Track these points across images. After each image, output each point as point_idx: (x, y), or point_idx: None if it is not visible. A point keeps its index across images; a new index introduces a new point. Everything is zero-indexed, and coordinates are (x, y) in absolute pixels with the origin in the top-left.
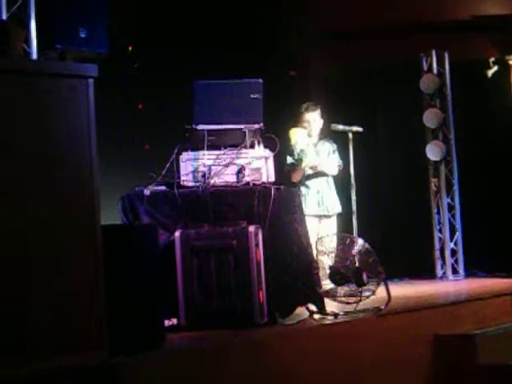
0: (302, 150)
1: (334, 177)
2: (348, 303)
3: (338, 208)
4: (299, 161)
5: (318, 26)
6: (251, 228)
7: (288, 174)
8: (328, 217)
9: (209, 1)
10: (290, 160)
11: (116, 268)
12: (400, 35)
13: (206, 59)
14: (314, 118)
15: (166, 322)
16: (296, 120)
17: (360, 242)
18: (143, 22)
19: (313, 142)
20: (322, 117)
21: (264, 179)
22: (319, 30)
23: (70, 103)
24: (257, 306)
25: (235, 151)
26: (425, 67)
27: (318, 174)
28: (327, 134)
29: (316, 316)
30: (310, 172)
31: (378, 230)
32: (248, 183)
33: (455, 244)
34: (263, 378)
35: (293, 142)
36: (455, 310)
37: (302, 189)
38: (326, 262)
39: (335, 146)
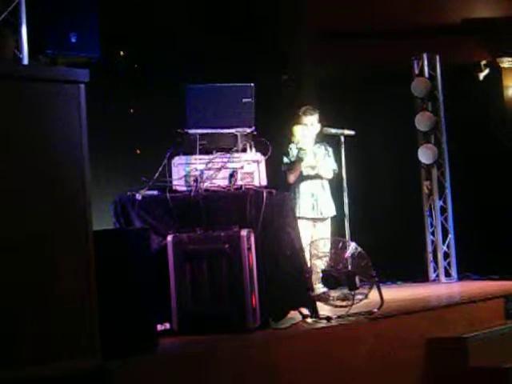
0: (301, 149)
1: (328, 180)
2: (341, 307)
3: (333, 211)
4: (299, 160)
5: (311, 28)
6: (243, 232)
7: (285, 174)
8: (322, 220)
9: (201, 4)
10: (286, 160)
11: (109, 273)
12: (391, 38)
13: (197, 63)
14: (311, 122)
15: (159, 327)
16: (292, 122)
17: (353, 245)
18: (134, 26)
19: (310, 146)
20: (319, 120)
21: (256, 183)
22: (312, 32)
23: (61, 108)
24: (249, 309)
25: (227, 155)
26: (416, 71)
27: (314, 176)
28: (322, 137)
29: (309, 320)
30: (308, 172)
31: (371, 232)
32: (240, 187)
33: (448, 247)
34: (256, 382)
35: (296, 138)
36: (448, 313)
37: (296, 191)
38: (319, 265)
39: (330, 151)
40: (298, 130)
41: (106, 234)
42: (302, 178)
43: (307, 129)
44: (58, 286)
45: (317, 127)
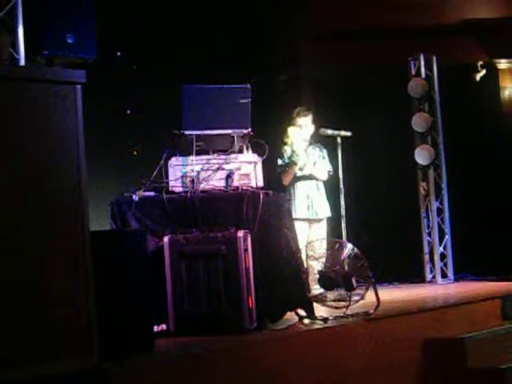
0: (294, 152)
1: (323, 181)
2: (337, 308)
3: (328, 212)
4: (293, 163)
5: (309, 29)
6: (240, 233)
7: (280, 177)
8: (318, 221)
9: (199, 4)
10: (280, 162)
11: (105, 274)
12: (388, 39)
13: (195, 63)
14: (305, 123)
15: (155, 328)
16: (287, 123)
17: (349, 246)
18: (131, 27)
19: (303, 148)
20: (313, 121)
21: (253, 184)
22: (310, 33)
23: (57, 109)
24: (246, 311)
25: (224, 156)
26: (413, 71)
27: (307, 176)
28: (317, 139)
29: (305, 321)
30: (299, 174)
31: (365, 233)
32: (237, 188)
33: (444, 248)
34: (252, 383)
35: (290, 140)
36: (444, 314)
37: (292, 193)
38: (316, 266)
39: (325, 152)
40: (292, 131)
41: (103, 235)
42: (297, 179)
43: (301, 130)
44: (55, 287)
45: (311, 128)
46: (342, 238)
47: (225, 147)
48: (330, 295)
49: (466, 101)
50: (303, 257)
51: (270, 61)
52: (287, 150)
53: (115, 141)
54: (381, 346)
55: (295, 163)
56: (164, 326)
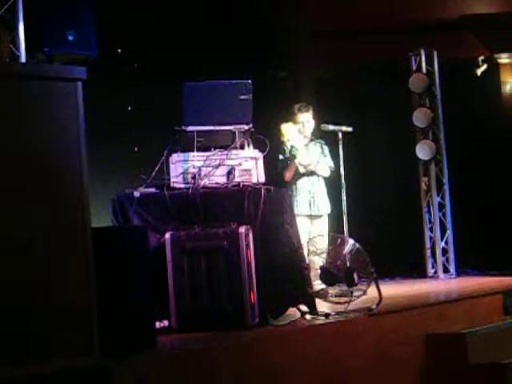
0: (293, 146)
1: (324, 177)
2: (339, 303)
3: (329, 208)
4: (292, 157)
5: (309, 26)
6: (242, 229)
7: (281, 173)
8: (319, 216)
9: (200, 2)
10: (281, 157)
11: (107, 270)
12: (389, 35)
13: (195, 60)
14: (307, 119)
15: (157, 324)
16: (287, 120)
17: (351, 241)
18: (132, 23)
19: (304, 144)
20: (313, 117)
21: (254, 180)
22: (310, 30)
23: (58, 106)
24: (248, 306)
25: (225, 152)
26: (414, 66)
27: (310, 173)
28: (318, 135)
29: (307, 316)
30: (302, 171)
31: (369, 229)
32: (238, 184)
33: (446, 243)
34: (255, 379)
35: (285, 138)
36: (446, 309)
37: (293, 188)
38: (318, 262)
39: (326, 149)
40: (286, 128)
41: (104, 232)
42: (299, 175)
43: (303, 127)
44: (57, 285)
45: (312, 124)
46: (343, 234)
47: (226, 143)
48: (332, 291)
49: (467, 96)
50: (305, 252)
51: (271, 57)
52: (288, 145)
53: (116, 137)
54: (383, 342)
55: (294, 157)
56: (166, 323)
